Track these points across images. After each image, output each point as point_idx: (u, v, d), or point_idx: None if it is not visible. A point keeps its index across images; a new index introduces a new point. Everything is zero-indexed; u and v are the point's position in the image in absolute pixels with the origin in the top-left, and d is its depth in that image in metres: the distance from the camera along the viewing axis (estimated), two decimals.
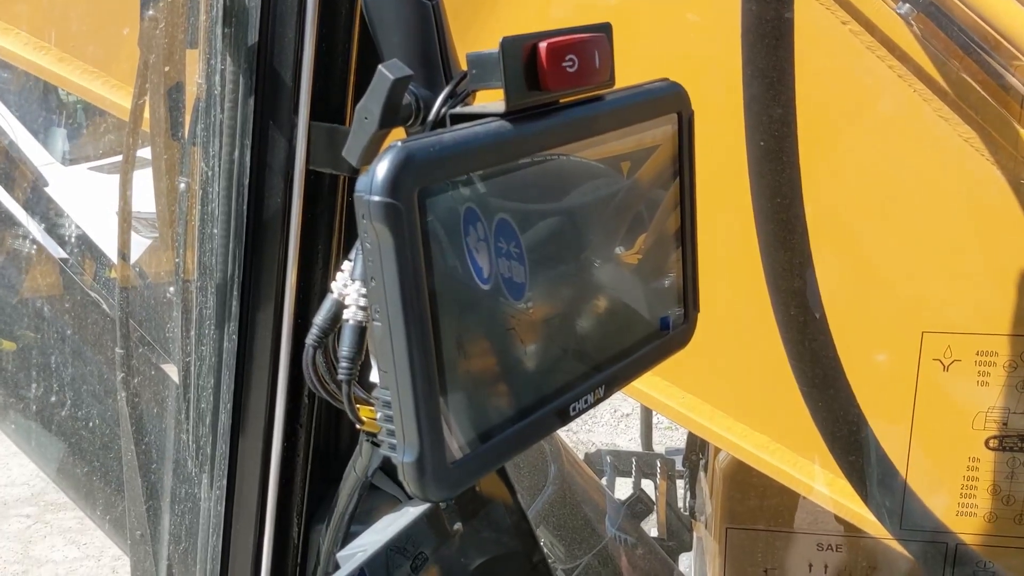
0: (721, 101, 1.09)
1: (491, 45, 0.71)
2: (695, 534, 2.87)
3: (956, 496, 1.33)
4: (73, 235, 1.96)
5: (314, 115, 0.85)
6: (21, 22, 1.45)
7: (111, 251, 1.88)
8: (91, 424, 1.51)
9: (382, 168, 0.62)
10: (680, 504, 3.31)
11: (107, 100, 1.48)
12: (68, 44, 1.43)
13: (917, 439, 1.30)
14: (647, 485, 3.45)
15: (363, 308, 0.75)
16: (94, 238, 2.03)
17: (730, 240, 1.24)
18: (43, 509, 5.22)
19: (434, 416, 0.66)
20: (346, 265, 0.77)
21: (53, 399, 1.53)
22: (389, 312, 0.64)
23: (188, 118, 0.94)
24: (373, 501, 1.04)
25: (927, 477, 1.31)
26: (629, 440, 5.72)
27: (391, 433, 0.67)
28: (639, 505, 2.92)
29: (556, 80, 0.72)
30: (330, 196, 0.91)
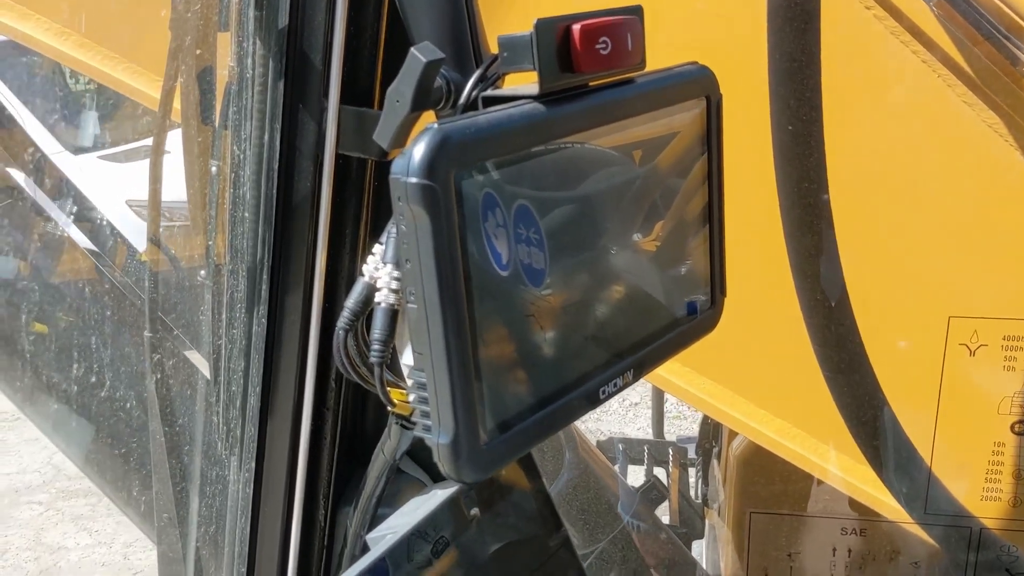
0: (744, 85, 1.09)
1: (519, 28, 0.71)
2: (707, 521, 2.88)
3: (981, 481, 1.33)
4: (89, 220, 1.97)
5: (343, 99, 0.85)
6: (43, 8, 1.46)
7: (126, 237, 1.89)
8: (119, 408, 1.52)
9: (419, 150, 0.62)
10: (692, 492, 3.32)
11: (128, 86, 1.48)
12: (93, 31, 1.43)
13: (942, 424, 1.30)
14: (659, 473, 3.46)
15: (395, 291, 0.75)
16: (111, 224, 2.04)
17: (751, 225, 1.24)
18: (55, 496, 5.25)
19: (469, 398, 0.66)
20: (377, 248, 0.77)
21: (79, 384, 1.55)
22: (425, 294, 0.64)
23: (219, 102, 0.94)
24: (399, 484, 1.04)
25: (952, 462, 1.31)
26: (638, 429, 5.73)
27: (425, 415, 0.68)
28: (653, 492, 2.93)
29: (589, 62, 0.72)
30: (358, 180, 0.91)
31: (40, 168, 2.09)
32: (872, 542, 1.52)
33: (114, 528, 4.92)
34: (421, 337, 0.65)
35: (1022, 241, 1.26)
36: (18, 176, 1.98)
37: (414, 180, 0.62)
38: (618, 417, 6.03)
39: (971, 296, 1.28)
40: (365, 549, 0.97)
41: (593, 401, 0.79)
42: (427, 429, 0.68)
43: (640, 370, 0.85)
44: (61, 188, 2.04)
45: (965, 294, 1.28)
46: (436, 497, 0.95)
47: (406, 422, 0.87)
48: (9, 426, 5.58)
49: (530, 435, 0.73)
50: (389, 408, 0.81)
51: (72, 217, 1.93)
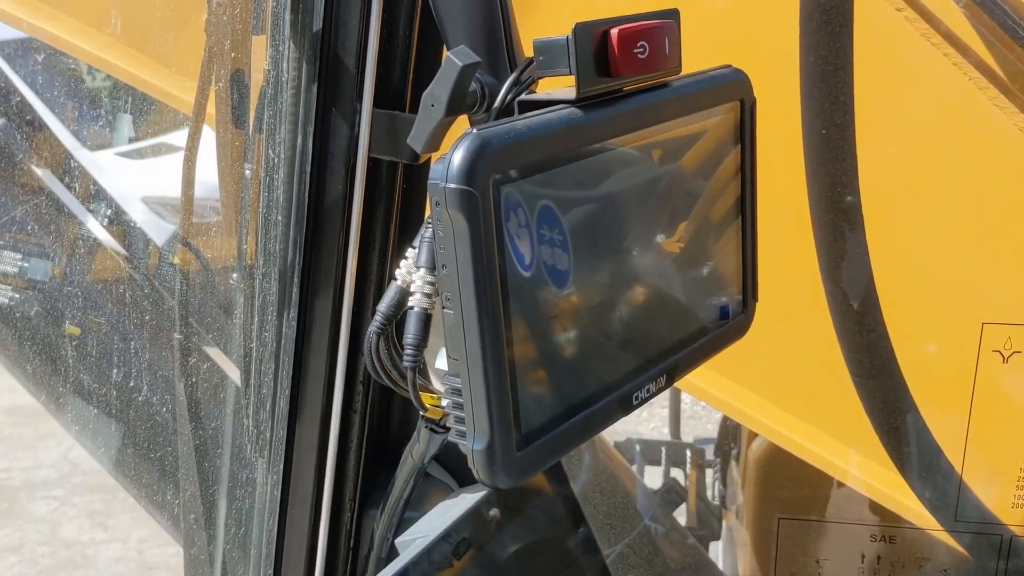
0: (775, 87, 1.08)
1: (546, 32, 0.70)
2: (725, 524, 2.86)
3: (1012, 488, 1.32)
4: (105, 219, 1.98)
5: (375, 102, 0.85)
6: (71, 8, 1.46)
7: (142, 236, 1.90)
8: (148, 410, 1.53)
9: (458, 155, 0.62)
10: (709, 493, 3.31)
11: (154, 86, 1.48)
12: (125, 33, 1.43)
13: (974, 431, 1.29)
14: (676, 474, 3.44)
15: (428, 296, 0.75)
16: (126, 223, 2.04)
17: (780, 227, 1.23)
18: (70, 491, 5.28)
19: (504, 404, 0.66)
20: (410, 252, 0.77)
21: (106, 386, 1.55)
22: (462, 300, 0.64)
23: (253, 105, 0.94)
24: (425, 488, 1.04)
25: (982, 469, 1.30)
26: (652, 429, 5.71)
27: (460, 420, 0.67)
28: (672, 494, 2.91)
29: (627, 66, 0.71)
30: (388, 183, 0.91)
31: (63, 166, 2.10)
32: (899, 549, 1.51)
33: (129, 524, 4.94)
34: (457, 343, 0.65)
35: None
36: (43, 175, 1.99)
37: (453, 185, 0.61)
38: (633, 417, 5.99)
39: (1005, 302, 1.27)
40: (392, 552, 0.97)
41: (626, 407, 0.79)
42: (461, 435, 0.68)
43: (673, 375, 0.84)
44: (83, 186, 2.05)
45: (998, 300, 1.27)
46: (465, 501, 0.95)
47: (436, 427, 0.87)
48: (26, 421, 5.62)
49: (564, 441, 0.73)
50: (421, 412, 0.81)
51: (92, 215, 1.93)
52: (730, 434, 2.56)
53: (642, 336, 0.81)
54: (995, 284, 1.27)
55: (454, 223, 0.62)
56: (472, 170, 0.62)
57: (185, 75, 1.34)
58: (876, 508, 1.55)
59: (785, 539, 1.56)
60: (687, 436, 3.82)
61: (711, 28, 1.30)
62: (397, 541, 0.93)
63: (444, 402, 0.70)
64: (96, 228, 1.81)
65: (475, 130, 0.63)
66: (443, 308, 0.66)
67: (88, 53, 1.51)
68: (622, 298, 0.79)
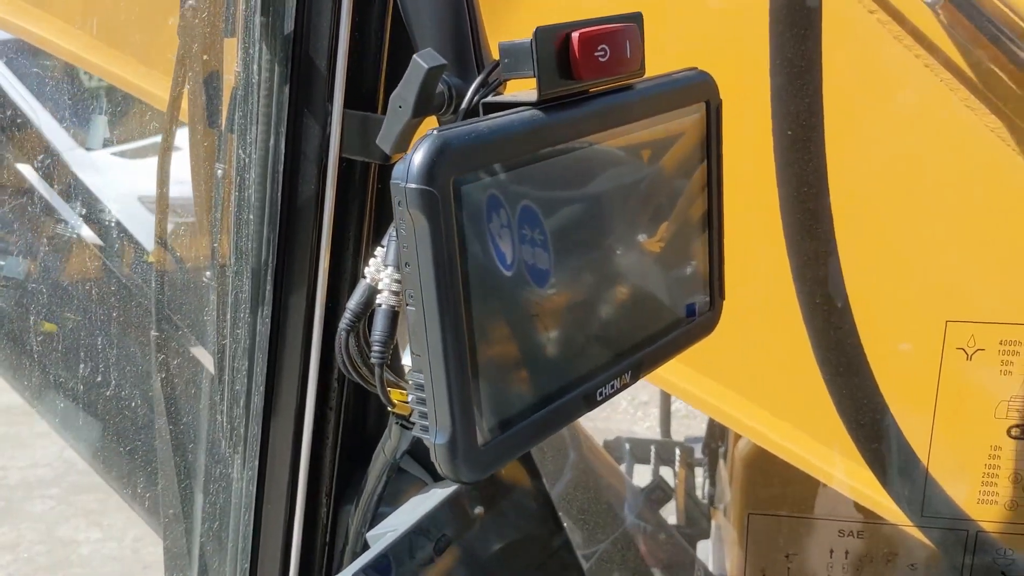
0: (746, 89, 1.10)
1: (522, 34, 0.72)
2: (713, 522, 2.88)
3: (977, 484, 1.34)
4: (101, 219, 1.98)
5: (347, 103, 0.86)
6: (56, 8, 1.47)
7: (137, 235, 1.91)
8: (126, 405, 1.54)
9: (419, 156, 0.63)
10: (699, 492, 3.32)
11: (137, 87, 1.49)
12: (105, 33, 1.44)
13: (939, 427, 1.30)
14: (666, 473, 3.45)
15: (396, 293, 0.76)
16: (123, 222, 2.05)
17: (754, 227, 1.24)
18: (67, 491, 5.28)
19: (466, 399, 0.67)
20: (379, 251, 0.78)
21: (85, 382, 1.56)
22: (424, 297, 0.65)
23: (225, 106, 0.95)
24: (400, 483, 1.06)
25: (949, 465, 1.32)
26: (647, 428, 5.72)
27: (423, 415, 0.69)
28: (658, 492, 2.93)
29: (588, 70, 0.73)
30: (361, 184, 0.93)
31: (55, 166, 2.11)
32: (870, 544, 1.52)
33: (124, 523, 4.94)
34: (419, 339, 0.66)
35: (1019, 245, 1.26)
36: (32, 175, 1.99)
37: (413, 185, 0.63)
38: (628, 416, 6.02)
39: (969, 300, 1.28)
40: (366, 547, 0.99)
41: (591, 402, 0.80)
42: (424, 429, 0.69)
43: (638, 372, 0.86)
44: (77, 186, 2.06)
45: (963, 298, 1.29)
46: (435, 496, 0.96)
47: (405, 422, 0.89)
48: (22, 420, 5.61)
49: (528, 436, 0.74)
50: (389, 408, 0.82)
51: (85, 215, 1.94)
52: (717, 433, 2.58)
53: (607, 333, 0.82)
54: (959, 282, 1.29)
55: (415, 222, 0.64)
56: (432, 170, 0.63)
57: (166, 75, 1.35)
58: (855, 505, 1.57)
59: (756, 535, 1.57)
60: (685, 435, 3.83)
61: (689, 30, 1.32)
62: (368, 535, 0.94)
63: (409, 397, 0.71)
64: (81, 227, 1.82)
65: (435, 131, 0.65)
66: (407, 305, 0.67)
67: (71, 53, 1.52)
68: (587, 296, 0.80)
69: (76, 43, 1.48)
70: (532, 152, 0.71)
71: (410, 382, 0.70)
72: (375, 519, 1.00)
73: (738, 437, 1.80)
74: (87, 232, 1.92)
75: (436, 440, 0.68)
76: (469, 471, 0.69)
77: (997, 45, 1.28)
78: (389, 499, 1.03)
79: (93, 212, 1.99)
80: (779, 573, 1.58)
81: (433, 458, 0.69)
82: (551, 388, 0.76)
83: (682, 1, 1.31)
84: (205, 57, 0.96)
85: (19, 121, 2.07)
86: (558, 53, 0.72)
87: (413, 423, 0.85)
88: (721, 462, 2.38)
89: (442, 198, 0.64)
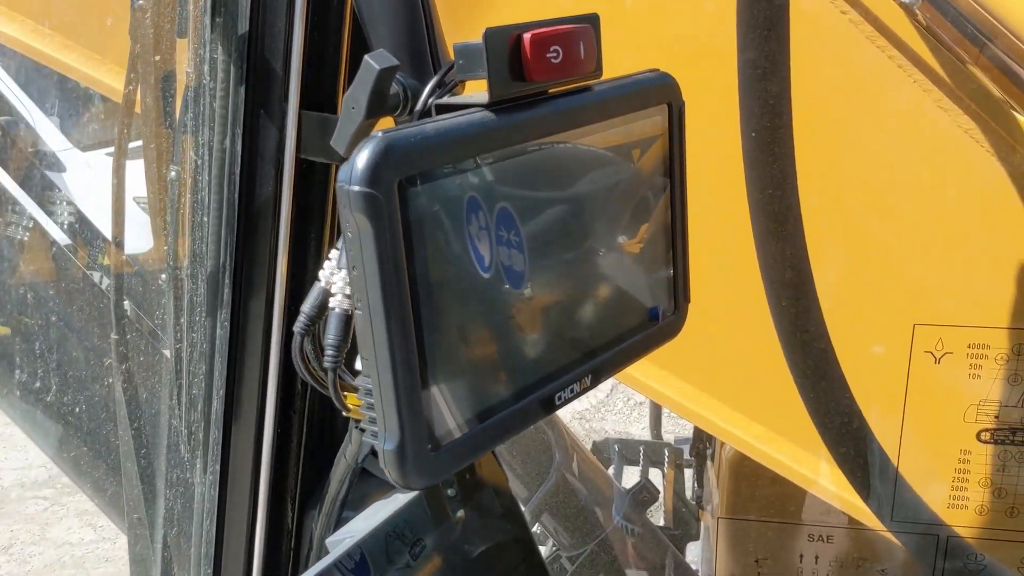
0: (717, 91, 1.09)
1: (479, 36, 0.71)
2: (702, 523, 2.88)
3: (948, 488, 1.33)
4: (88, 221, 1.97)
5: (306, 104, 0.85)
6: (23, 7, 1.46)
7: (133, 235, 1.89)
8: (89, 408, 1.53)
9: (362, 158, 0.62)
10: (688, 493, 3.32)
11: (108, 86, 1.48)
12: (69, 29, 1.43)
13: (909, 431, 1.30)
14: (655, 474, 3.45)
15: (348, 296, 0.75)
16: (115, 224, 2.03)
17: (729, 230, 1.24)
18: (60, 492, 5.27)
19: (414, 404, 0.67)
20: (333, 254, 0.77)
21: (39, 384, 1.55)
22: (369, 301, 0.64)
23: (179, 107, 0.94)
24: (366, 487, 1.05)
25: (919, 469, 1.31)
26: (642, 428, 5.72)
27: (373, 420, 0.68)
28: (644, 493, 2.92)
29: (540, 71, 0.72)
30: (321, 185, 0.92)
31: (49, 165, 2.10)
32: (844, 549, 1.52)
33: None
34: (367, 343, 0.66)
35: (989, 249, 1.26)
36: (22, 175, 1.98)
37: (356, 188, 0.62)
38: (622, 416, 6.02)
39: (937, 304, 1.28)
40: (324, 551, 0.98)
41: (548, 407, 0.79)
42: (374, 435, 0.68)
43: (599, 376, 0.85)
44: (74, 186, 2.05)
45: (931, 302, 1.28)
46: (397, 500, 0.95)
47: (360, 426, 0.88)
48: None
49: (481, 442, 0.73)
50: (344, 413, 0.81)
51: (78, 215, 1.93)
52: (704, 434, 2.58)
53: (566, 338, 0.81)
54: (928, 285, 1.28)
55: (359, 226, 0.63)
56: (376, 173, 0.62)
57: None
58: (833, 508, 1.56)
59: (733, 538, 1.57)
60: (676, 436, 3.83)
61: (653, 32, 1.31)
62: (328, 540, 0.93)
63: (361, 402, 0.70)
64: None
65: (380, 133, 0.64)
66: (355, 309, 0.66)
67: (43, 54, 1.51)
68: (546, 300, 0.79)
69: (46, 43, 1.48)
70: (482, 153, 0.70)
71: (360, 387, 0.69)
72: (338, 524, 0.99)
73: None
74: (80, 234, 1.91)
75: (384, 446, 0.67)
76: (418, 477, 0.68)
77: (973, 45, 1.28)
78: (354, 503, 1.01)
79: (92, 211, 1.98)
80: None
81: (382, 463, 0.68)
82: (507, 393, 0.75)
83: (650, 3, 1.31)
84: (157, 58, 0.95)
85: (14, 121, 2.07)
86: (510, 54, 0.71)
87: (365, 427, 0.85)
88: (709, 464, 2.38)
89: (386, 201, 0.63)
